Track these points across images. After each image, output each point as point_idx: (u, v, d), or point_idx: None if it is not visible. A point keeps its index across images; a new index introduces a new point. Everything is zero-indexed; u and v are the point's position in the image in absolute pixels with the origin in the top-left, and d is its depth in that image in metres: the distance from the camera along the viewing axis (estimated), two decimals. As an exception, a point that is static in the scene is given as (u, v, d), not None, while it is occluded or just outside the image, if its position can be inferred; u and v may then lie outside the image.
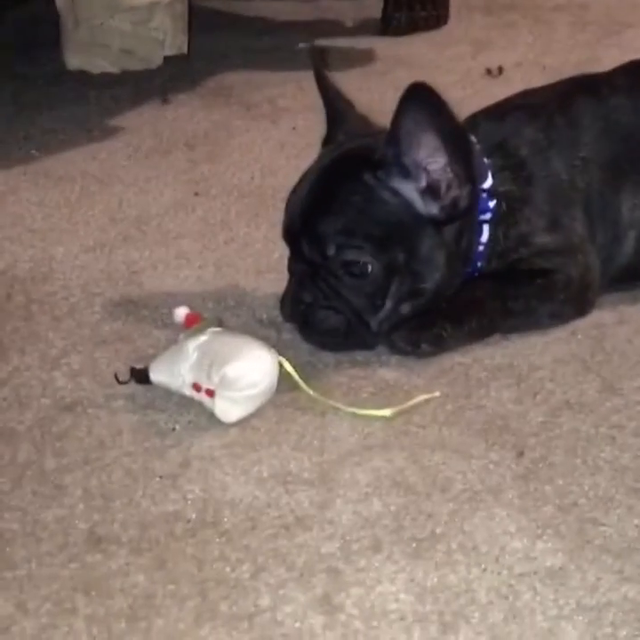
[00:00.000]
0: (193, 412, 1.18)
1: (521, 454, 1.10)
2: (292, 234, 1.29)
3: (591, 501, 1.04)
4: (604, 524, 1.01)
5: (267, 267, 1.47)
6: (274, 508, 1.04)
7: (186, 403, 1.19)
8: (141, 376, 1.21)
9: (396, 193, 1.24)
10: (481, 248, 1.29)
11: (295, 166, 1.75)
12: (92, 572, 0.98)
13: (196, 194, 1.67)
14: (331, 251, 1.23)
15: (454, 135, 1.22)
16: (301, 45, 2.02)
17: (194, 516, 1.04)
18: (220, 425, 1.15)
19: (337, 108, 1.35)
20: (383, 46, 2.26)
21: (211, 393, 1.15)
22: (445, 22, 2.38)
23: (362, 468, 1.09)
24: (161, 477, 1.09)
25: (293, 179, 1.69)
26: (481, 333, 1.28)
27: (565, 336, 1.28)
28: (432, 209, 1.24)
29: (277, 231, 1.55)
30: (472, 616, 0.92)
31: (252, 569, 0.98)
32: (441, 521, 1.02)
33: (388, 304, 1.25)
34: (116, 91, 2.05)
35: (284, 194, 1.66)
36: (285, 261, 1.33)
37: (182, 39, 1.98)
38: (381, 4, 2.35)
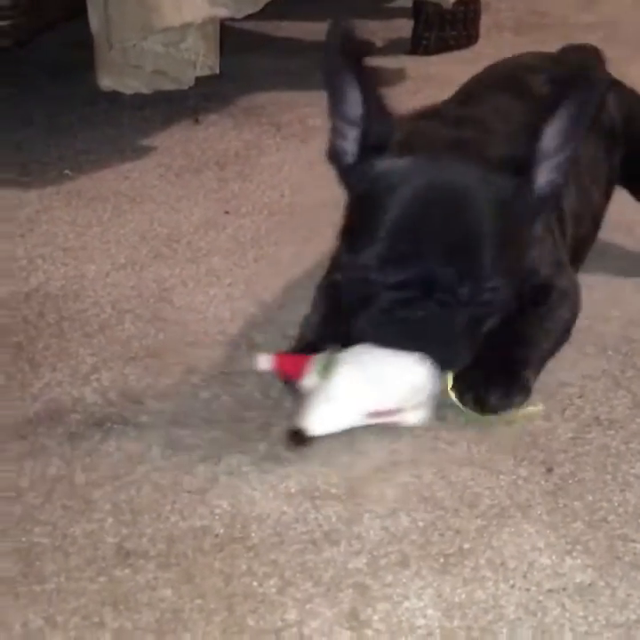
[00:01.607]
0: (219, 427, 1.18)
1: (550, 470, 1.10)
2: (411, 259, 1.11)
3: (621, 517, 1.03)
4: (634, 541, 1.00)
5: (296, 284, 1.48)
6: (301, 524, 1.04)
7: (211, 419, 1.20)
8: (301, 438, 1.11)
9: (526, 203, 1.16)
10: None
11: (324, 185, 1.74)
12: (120, 586, 0.98)
13: (227, 212, 1.69)
14: (466, 288, 1.12)
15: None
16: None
17: (222, 530, 1.04)
18: (247, 440, 1.16)
19: (381, 103, 1.18)
20: (413, 66, 2.27)
21: (394, 412, 1.13)
22: (475, 42, 2.39)
23: (389, 483, 1.09)
24: (189, 492, 1.09)
25: (323, 197, 1.71)
26: (546, 360, 1.24)
27: (595, 352, 1.28)
28: (533, 203, 1.17)
29: (307, 248, 1.57)
30: (500, 632, 0.92)
31: (279, 583, 0.98)
32: (469, 537, 1.02)
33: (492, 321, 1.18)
34: (148, 111, 2.07)
35: (313, 211, 1.67)
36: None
37: (214, 60, 2.00)
38: (411, 24, 2.36)
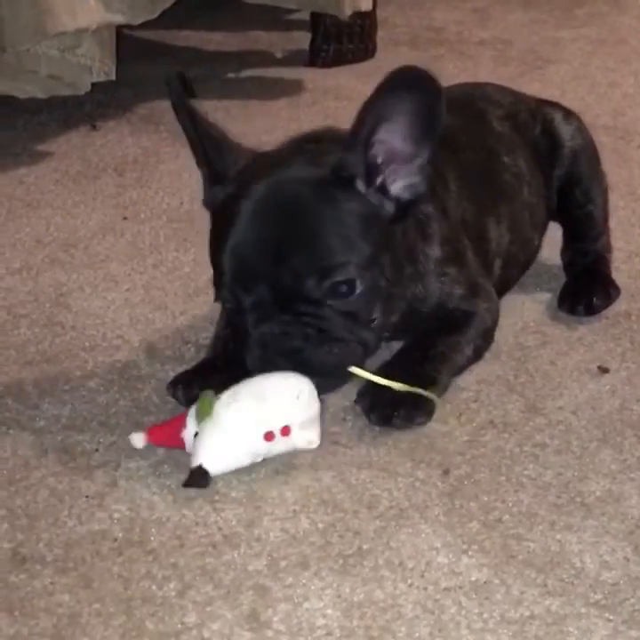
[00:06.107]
0: (116, 432, 1.17)
1: (446, 472, 1.12)
2: (253, 277, 1.13)
3: (515, 517, 1.06)
4: (527, 540, 1.03)
5: (195, 290, 1.47)
6: (201, 527, 1.04)
7: (109, 423, 1.19)
8: (200, 477, 1.08)
9: (361, 199, 1.16)
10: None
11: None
12: (16, 591, 0.97)
13: (125, 218, 1.67)
14: (311, 281, 1.12)
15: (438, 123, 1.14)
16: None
17: (120, 535, 1.03)
18: (146, 445, 1.15)
19: (217, 139, 1.22)
20: (312, 77, 2.29)
21: (287, 430, 1.11)
22: (372, 55, 2.41)
23: (289, 486, 1.10)
24: (87, 497, 1.08)
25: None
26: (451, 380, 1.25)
27: (489, 358, 1.30)
28: (388, 206, 1.17)
29: (206, 255, 1.56)
30: (398, 630, 0.93)
31: (178, 587, 0.97)
32: (368, 537, 1.03)
33: (379, 316, 1.17)
34: (44, 116, 2.05)
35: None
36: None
37: (110, 66, 1.98)
38: (310, 36, 2.38)
